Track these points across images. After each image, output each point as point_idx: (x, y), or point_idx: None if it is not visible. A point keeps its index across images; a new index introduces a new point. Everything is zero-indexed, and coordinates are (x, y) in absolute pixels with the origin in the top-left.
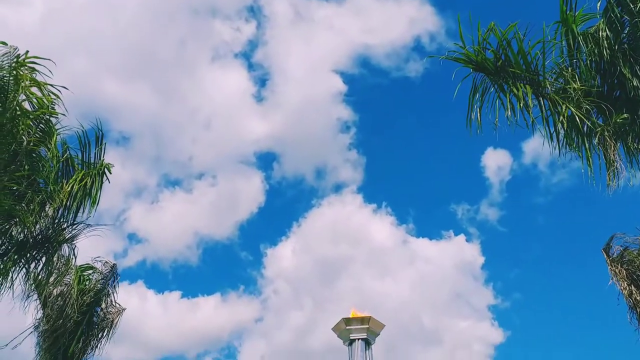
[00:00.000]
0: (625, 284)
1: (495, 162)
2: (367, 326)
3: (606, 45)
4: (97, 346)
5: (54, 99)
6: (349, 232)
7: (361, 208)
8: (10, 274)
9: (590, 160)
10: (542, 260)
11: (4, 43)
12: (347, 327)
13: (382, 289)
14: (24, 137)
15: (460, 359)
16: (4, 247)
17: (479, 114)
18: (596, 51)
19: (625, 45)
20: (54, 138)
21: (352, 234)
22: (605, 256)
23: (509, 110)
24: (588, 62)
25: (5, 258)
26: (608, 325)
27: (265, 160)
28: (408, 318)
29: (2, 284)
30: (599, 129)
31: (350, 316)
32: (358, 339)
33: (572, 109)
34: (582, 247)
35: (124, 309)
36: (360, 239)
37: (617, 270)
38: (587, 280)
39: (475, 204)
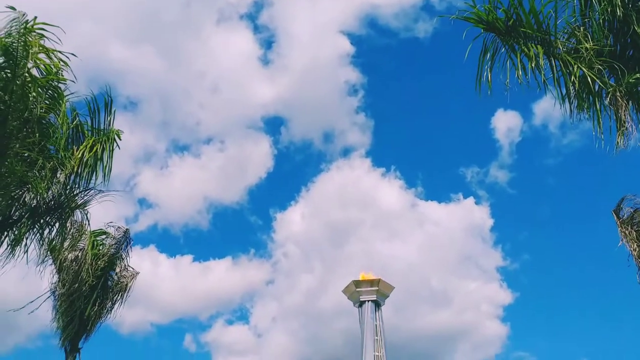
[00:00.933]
0: (635, 245)
1: (505, 123)
2: (377, 288)
3: (619, 3)
4: (112, 309)
5: (62, 66)
6: (358, 196)
7: (369, 172)
8: (25, 240)
9: (601, 121)
10: (551, 222)
11: (13, 8)
12: (357, 290)
13: (391, 251)
14: (34, 104)
15: (469, 319)
16: (17, 213)
17: (489, 75)
18: (609, 9)
19: None
20: (63, 105)
21: (361, 197)
22: (616, 218)
23: (520, 70)
24: (601, 21)
25: (19, 224)
26: (617, 287)
27: (273, 125)
28: (417, 280)
29: (17, 250)
30: (611, 89)
31: (360, 279)
32: (368, 301)
33: (584, 69)
34: (592, 209)
35: (137, 273)
36: (369, 203)
37: (627, 232)
38: (597, 242)
39: (485, 167)
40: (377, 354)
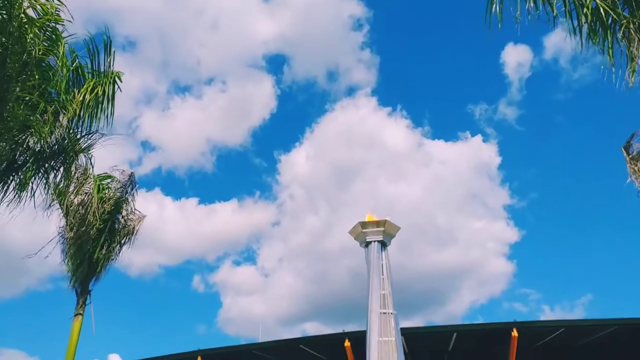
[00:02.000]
0: None
1: (515, 58)
2: (383, 229)
3: None
4: (120, 252)
5: (58, 5)
6: (363, 136)
7: (375, 111)
8: (31, 185)
9: (612, 55)
10: (560, 159)
11: None
12: (363, 231)
13: (397, 191)
14: (32, 46)
15: (475, 257)
16: (22, 158)
17: (499, 8)
18: None
19: None
20: (62, 46)
21: (366, 138)
22: (625, 154)
23: (531, 2)
24: None
25: (24, 169)
26: (624, 224)
27: (275, 63)
28: (423, 219)
29: (23, 194)
30: (624, 21)
31: (366, 220)
32: (374, 241)
33: (597, 1)
34: (601, 145)
35: (144, 216)
36: (375, 143)
37: (636, 168)
38: (606, 179)
39: (494, 104)
40: (383, 292)
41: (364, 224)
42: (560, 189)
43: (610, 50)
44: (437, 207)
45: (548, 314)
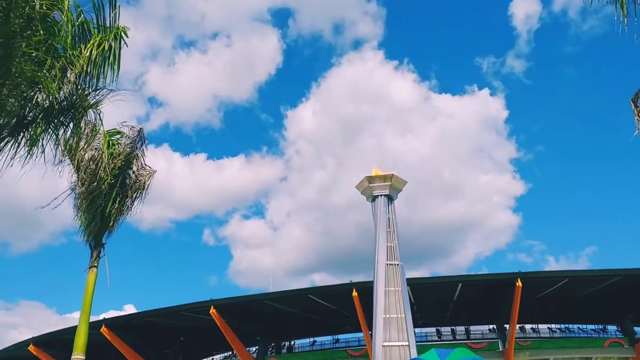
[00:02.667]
0: None
1: (523, 10)
2: (390, 183)
3: None
4: (132, 207)
5: None
6: (370, 90)
7: (382, 65)
8: (41, 141)
9: (625, 5)
10: (567, 112)
11: None
12: (370, 185)
13: (403, 146)
14: (35, 0)
15: (480, 211)
16: (31, 114)
17: None
18: None
19: None
20: (67, 1)
21: (373, 92)
22: (633, 107)
23: None
24: None
25: (34, 125)
26: (631, 177)
27: (280, 17)
28: (429, 173)
29: (34, 151)
30: None
31: (373, 174)
32: (381, 196)
33: None
34: (609, 98)
35: (154, 171)
36: (381, 98)
37: None
38: (613, 132)
39: (501, 56)
40: (389, 244)
41: (370, 179)
42: (567, 141)
43: (623, 1)
44: (444, 161)
45: (552, 265)
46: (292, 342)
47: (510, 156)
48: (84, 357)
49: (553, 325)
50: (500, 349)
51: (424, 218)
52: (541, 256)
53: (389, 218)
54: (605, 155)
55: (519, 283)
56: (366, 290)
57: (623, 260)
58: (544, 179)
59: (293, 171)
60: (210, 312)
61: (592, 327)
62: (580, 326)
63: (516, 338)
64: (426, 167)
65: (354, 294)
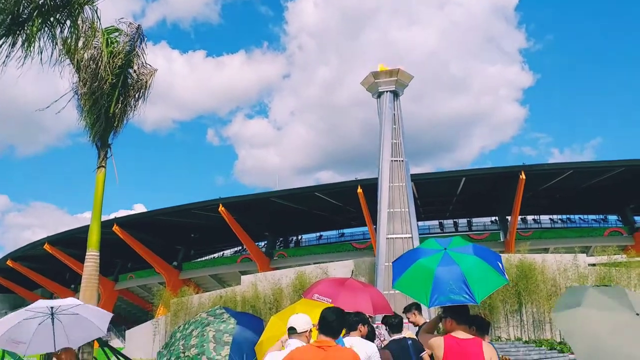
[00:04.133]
0: None
1: None
2: (396, 78)
3: None
4: (135, 107)
5: None
6: None
7: None
8: (38, 41)
9: None
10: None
11: None
12: (376, 81)
13: (410, 39)
14: None
15: (487, 104)
16: (26, 12)
17: None
18: None
19: None
20: None
21: None
22: None
23: None
24: None
25: (29, 22)
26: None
27: None
28: (436, 67)
29: (31, 49)
30: None
31: (379, 70)
32: (387, 92)
33: None
34: None
35: (155, 70)
36: None
37: None
38: (625, 19)
39: None
40: (394, 141)
41: (376, 74)
42: (577, 30)
43: None
44: (451, 53)
45: (557, 157)
46: (300, 237)
47: (519, 46)
48: (98, 254)
49: (554, 216)
50: (502, 240)
51: (429, 113)
52: (546, 149)
53: (394, 114)
54: (616, 43)
55: (523, 175)
56: (371, 186)
57: (628, 151)
58: (552, 69)
59: (296, 68)
60: (219, 209)
61: (593, 217)
62: (581, 216)
63: (517, 229)
64: (433, 61)
65: (359, 190)
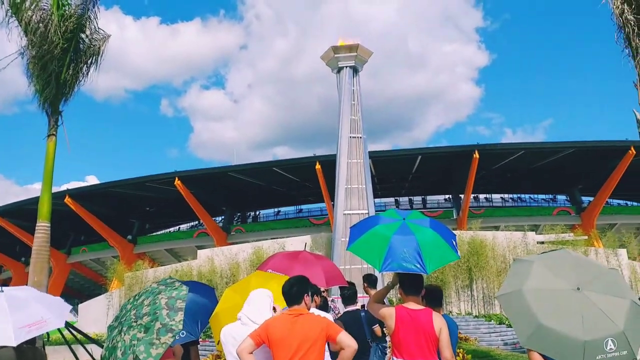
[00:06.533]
0: (618, 3)
1: None
2: (355, 54)
3: None
4: (87, 73)
5: None
6: None
7: None
8: None
9: None
10: None
11: None
12: (336, 55)
13: (369, 13)
14: None
15: (443, 82)
16: None
17: None
18: None
19: None
20: None
21: None
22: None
23: None
24: None
25: None
26: (594, 49)
27: None
28: (394, 43)
29: None
30: None
31: (339, 44)
32: (346, 67)
33: None
34: None
35: (108, 36)
36: None
37: None
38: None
39: None
40: (353, 117)
41: (336, 49)
42: (533, 10)
43: None
44: (410, 29)
45: (510, 137)
46: (257, 212)
47: (476, 25)
48: (49, 225)
49: (506, 195)
50: (455, 217)
51: (387, 90)
52: (499, 128)
53: (353, 90)
54: (571, 24)
55: (477, 155)
56: (329, 163)
57: (577, 133)
58: (508, 49)
59: (253, 38)
60: (175, 183)
61: (543, 196)
62: (531, 196)
63: (470, 207)
64: (391, 36)
65: (317, 166)
